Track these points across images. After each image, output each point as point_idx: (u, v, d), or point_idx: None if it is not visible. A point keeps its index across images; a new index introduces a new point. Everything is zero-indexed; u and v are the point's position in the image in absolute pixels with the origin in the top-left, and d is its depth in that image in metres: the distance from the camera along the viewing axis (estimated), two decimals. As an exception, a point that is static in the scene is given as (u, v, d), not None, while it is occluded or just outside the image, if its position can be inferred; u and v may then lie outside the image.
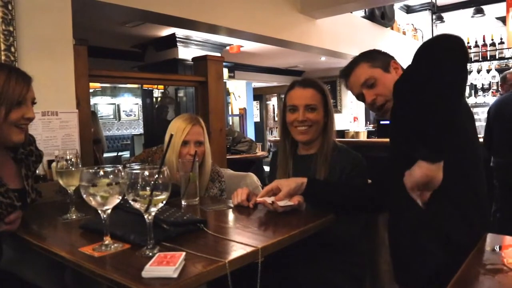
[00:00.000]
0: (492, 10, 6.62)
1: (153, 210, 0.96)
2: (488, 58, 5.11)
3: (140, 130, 10.95)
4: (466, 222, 1.14)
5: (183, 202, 1.55)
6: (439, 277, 1.03)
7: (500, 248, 0.99)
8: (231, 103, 10.01)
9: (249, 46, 6.07)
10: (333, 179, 1.53)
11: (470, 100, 5.04)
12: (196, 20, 3.26)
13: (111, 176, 0.99)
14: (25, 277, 1.44)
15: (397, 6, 7.15)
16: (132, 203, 0.95)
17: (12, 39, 1.97)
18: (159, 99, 6.51)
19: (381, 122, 4.59)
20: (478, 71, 5.29)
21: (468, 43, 4.88)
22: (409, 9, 7.78)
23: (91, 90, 4.93)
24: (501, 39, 5.13)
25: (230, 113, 9.82)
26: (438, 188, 1.15)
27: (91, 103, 4.30)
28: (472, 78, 5.27)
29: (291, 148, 1.66)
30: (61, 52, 2.18)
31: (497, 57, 5.08)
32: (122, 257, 0.97)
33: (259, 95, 11.87)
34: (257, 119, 11.73)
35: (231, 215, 1.43)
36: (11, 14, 1.96)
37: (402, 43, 6.88)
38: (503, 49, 5.06)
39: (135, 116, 12.28)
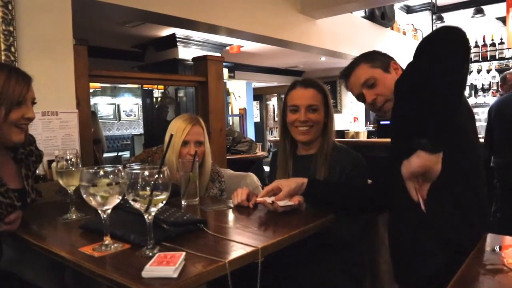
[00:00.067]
0: (492, 10, 6.62)
1: (153, 210, 0.96)
2: (488, 58, 5.12)
3: (140, 130, 10.95)
4: (466, 222, 1.14)
5: (183, 202, 1.55)
6: (439, 277, 1.03)
7: (500, 248, 0.99)
8: (231, 103, 10.02)
9: (249, 46, 6.07)
10: (333, 179, 1.53)
11: (470, 100, 5.04)
12: (196, 20, 3.26)
13: (111, 176, 0.99)
14: (25, 277, 1.44)
15: (397, 6, 7.15)
16: (132, 203, 0.95)
17: (12, 39, 1.97)
18: (159, 99, 6.51)
19: (381, 122, 4.59)
20: (478, 71, 5.29)
21: (468, 43, 4.86)
22: (409, 9, 7.78)
23: (91, 90, 4.93)
24: (501, 39, 5.14)
25: (230, 113, 9.83)
26: (438, 188, 1.15)
27: (91, 103, 4.30)
28: (472, 78, 5.28)
29: (291, 148, 1.66)
30: (61, 52, 2.18)
31: (497, 57, 5.08)
32: (122, 257, 0.97)
33: (259, 95, 11.87)
34: (257, 119, 11.73)
35: (231, 215, 1.43)
36: (11, 14, 1.96)
37: (402, 43, 6.88)
38: (503, 49, 5.06)
39: (135, 116, 12.28)
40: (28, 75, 1.34)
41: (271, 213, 1.36)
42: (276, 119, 11.98)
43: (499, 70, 5.05)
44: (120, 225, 1.11)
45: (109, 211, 1.02)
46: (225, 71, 6.35)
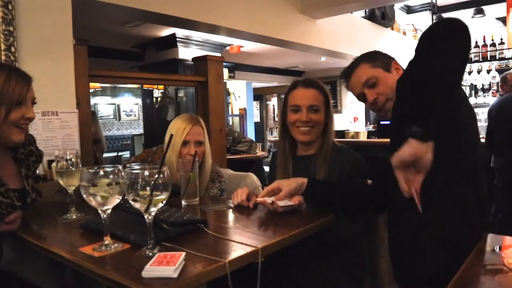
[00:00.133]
0: (493, 11, 6.62)
1: (153, 210, 0.96)
2: (489, 58, 5.12)
3: (140, 130, 10.95)
4: (466, 222, 1.14)
5: (183, 202, 1.55)
6: (439, 277, 1.03)
7: (500, 248, 0.99)
8: (231, 103, 10.02)
9: (249, 46, 6.07)
10: (333, 179, 1.53)
11: (470, 100, 5.03)
12: (196, 20, 3.26)
13: (111, 176, 0.99)
14: (25, 277, 1.44)
15: (397, 6, 7.15)
16: (132, 203, 0.95)
17: (12, 39, 1.97)
18: (159, 99, 6.51)
19: (381, 123, 4.59)
20: (478, 72, 5.29)
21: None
22: (409, 10, 7.78)
23: (91, 90, 4.93)
24: (501, 39, 5.14)
25: (230, 113, 9.82)
26: (438, 188, 1.15)
27: (91, 103, 4.30)
28: (472, 79, 5.28)
29: (290, 148, 1.66)
30: (61, 52, 2.18)
31: (497, 58, 5.08)
32: (122, 257, 0.97)
33: (259, 95, 11.87)
34: (257, 119, 11.73)
35: (231, 215, 1.43)
36: (11, 14, 1.96)
37: (403, 43, 6.88)
38: (503, 49, 5.06)
39: (135, 116, 12.28)
40: (28, 75, 1.34)
41: (271, 213, 1.36)
42: (276, 119, 11.97)
43: (499, 70, 5.05)
44: (120, 225, 1.11)
45: (109, 211, 1.02)
46: (225, 71, 6.35)
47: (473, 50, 5.09)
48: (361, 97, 1.41)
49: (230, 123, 9.82)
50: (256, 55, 7.16)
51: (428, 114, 1.01)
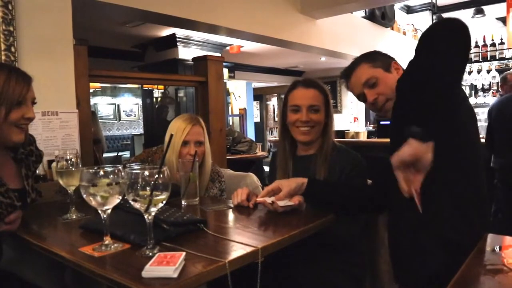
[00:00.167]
0: (493, 11, 6.62)
1: (153, 210, 0.96)
2: (489, 58, 5.12)
3: (140, 130, 10.95)
4: (466, 222, 1.14)
5: (183, 202, 1.55)
6: (439, 277, 1.03)
7: (500, 248, 0.99)
8: (231, 103, 10.02)
9: (249, 46, 6.07)
10: (333, 179, 1.53)
11: (470, 101, 5.03)
12: (196, 20, 3.26)
13: (111, 176, 0.99)
14: (25, 277, 1.44)
15: (397, 6, 7.15)
16: (132, 203, 0.95)
17: (12, 39, 1.97)
18: (159, 99, 6.51)
19: (381, 123, 4.59)
20: (478, 72, 5.29)
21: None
22: (409, 10, 7.78)
23: (91, 90, 4.93)
24: (501, 39, 5.14)
25: (230, 113, 9.83)
26: (438, 188, 1.15)
27: (91, 103, 4.30)
28: (472, 79, 5.28)
29: (290, 148, 1.66)
30: (61, 52, 2.18)
31: (497, 58, 5.08)
32: (122, 257, 0.97)
33: (259, 95, 11.87)
34: (257, 119, 11.73)
35: (231, 215, 1.43)
36: (11, 14, 1.96)
37: (403, 43, 6.88)
38: (503, 49, 5.06)
39: (135, 116, 12.28)
40: (28, 75, 1.34)
41: (271, 213, 1.36)
42: (276, 119, 11.97)
43: (499, 70, 5.05)
44: (120, 225, 1.11)
45: (109, 211, 1.02)
46: (225, 71, 6.35)
47: (473, 50, 5.09)
48: (361, 97, 1.41)
49: (230, 123, 9.82)
50: (256, 55, 7.16)
51: (428, 114, 1.01)
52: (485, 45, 5.12)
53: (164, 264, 0.84)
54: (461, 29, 1.03)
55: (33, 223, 1.36)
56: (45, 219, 1.41)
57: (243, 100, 10.26)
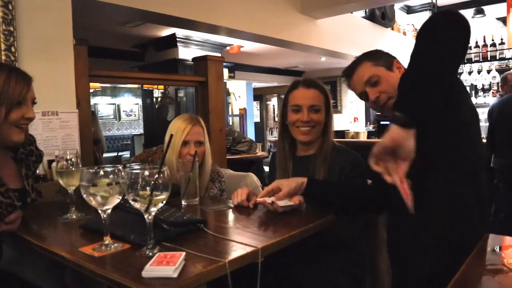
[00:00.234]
0: (493, 11, 6.62)
1: (153, 210, 0.96)
2: (489, 58, 5.12)
3: (140, 130, 10.95)
4: (466, 222, 1.14)
5: (183, 202, 1.55)
6: (439, 277, 1.03)
7: (500, 248, 0.99)
8: (231, 103, 10.02)
9: (249, 46, 6.07)
10: (333, 179, 1.53)
11: (471, 101, 5.03)
12: (196, 20, 3.26)
13: (111, 176, 0.99)
14: (25, 277, 1.44)
15: (397, 6, 7.14)
16: (132, 203, 0.95)
17: (12, 39, 1.97)
18: (159, 99, 6.51)
19: (381, 122, 4.60)
20: (479, 72, 5.29)
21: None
22: (409, 10, 7.78)
23: (91, 90, 4.93)
24: (501, 39, 5.14)
25: (230, 113, 9.83)
26: (438, 188, 1.15)
27: (91, 103, 4.30)
28: (473, 79, 5.28)
29: (290, 149, 1.66)
30: (61, 52, 2.18)
31: (497, 58, 5.08)
32: (122, 257, 0.97)
33: (259, 95, 11.87)
34: (257, 119, 11.73)
35: (231, 215, 1.43)
36: (11, 14, 1.96)
37: (403, 43, 6.87)
38: (504, 49, 5.06)
39: (135, 116, 12.28)
40: (28, 75, 1.34)
41: (271, 213, 1.36)
42: (276, 119, 11.97)
43: (500, 71, 5.05)
44: (120, 225, 1.11)
45: (109, 211, 1.02)
46: (225, 71, 6.35)
47: (473, 50, 5.09)
48: (363, 95, 1.41)
49: (230, 123, 9.82)
50: (256, 55, 7.16)
51: (428, 114, 1.01)
52: (485, 45, 5.12)
53: (164, 264, 0.84)
54: (461, 20, 1.03)
55: (33, 223, 1.36)
56: (45, 219, 1.41)
57: (243, 100, 10.26)
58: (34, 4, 2.08)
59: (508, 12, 5.42)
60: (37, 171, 1.59)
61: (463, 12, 1.06)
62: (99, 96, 11.34)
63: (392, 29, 6.73)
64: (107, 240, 1.03)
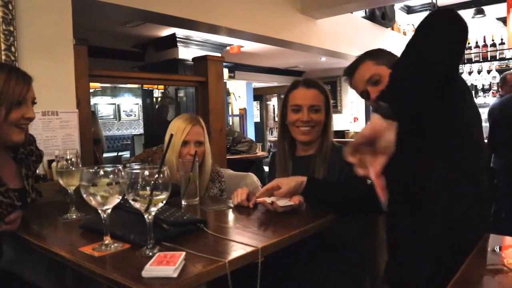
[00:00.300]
0: (493, 11, 6.62)
1: (153, 210, 0.96)
2: (489, 58, 5.11)
3: (140, 130, 10.95)
4: (466, 222, 1.14)
5: (183, 202, 1.55)
6: (439, 277, 1.03)
7: (501, 248, 0.99)
8: (231, 103, 10.02)
9: (249, 46, 6.07)
10: (332, 179, 1.53)
11: (471, 101, 5.03)
12: (196, 20, 3.26)
13: (111, 176, 0.99)
14: (25, 277, 1.44)
15: (397, 6, 7.15)
16: (132, 203, 0.95)
17: (12, 39, 1.97)
18: (159, 99, 6.51)
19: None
20: (479, 72, 5.29)
21: (468, 43, 4.88)
22: (409, 10, 7.78)
23: (91, 90, 4.92)
24: (501, 39, 5.13)
25: (230, 113, 9.83)
26: (438, 188, 1.15)
27: (91, 103, 4.30)
28: (473, 79, 5.28)
29: (289, 149, 1.66)
30: (61, 52, 2.18)
31: (497, 58, 5.08)
32: (122, 257, 0.97)
33: (259, 95, 11.87)
34: (257, 119, 11.73)
35: (231, 215, 1.43)
36: (11, 14, 1.96)
37: (403, 43, 6.82)
38: (504, 49, 5.06)
39: (135, 116, 12.28)
40: (28, 75, 1.34)
41: (271, 213, 1.36)
42: (276, 119, 11.97)
43: (500, 71, 5.05)
44: (120, 225, 1.11)
45: (109, 211, 1.02)
46: (225, 71, 6.35)
47: (473, 50, 5.09)
48: (364, 94, 1.40)
49: (230, 123, 9.82)
50: (256, 55, 7.16)
51: (419, 105, 1.00)
52: (485, 45, 5.12)
53: (164, 264, 0.84)
54: (460, 20, 1.03)
55: (33, 223, 1.36)
56: (45, 219, 1.41)
57: (243, 100, 10.26)
58: (34, 4, 2.08)
59: (508, 12, 5.42)
60: (37, 171, 1.59)
61: (463, 12, 1.07)
62: (99, 96, 11.34)
63: (392, 29, 6.73)
64: (107, 240, 1.03)
